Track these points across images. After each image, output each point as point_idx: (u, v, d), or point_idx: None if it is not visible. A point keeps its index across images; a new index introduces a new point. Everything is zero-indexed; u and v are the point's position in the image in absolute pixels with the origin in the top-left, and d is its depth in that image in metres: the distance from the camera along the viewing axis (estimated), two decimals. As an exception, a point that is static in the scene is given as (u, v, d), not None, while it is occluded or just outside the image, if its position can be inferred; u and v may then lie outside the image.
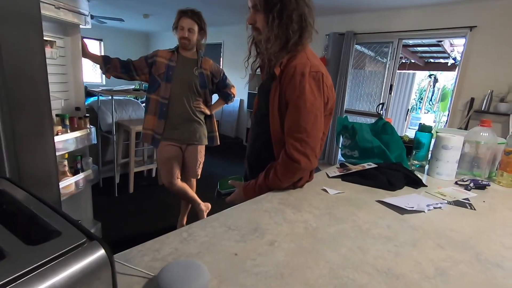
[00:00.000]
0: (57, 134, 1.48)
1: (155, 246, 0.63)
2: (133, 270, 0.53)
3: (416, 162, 1.47)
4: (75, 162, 1.64)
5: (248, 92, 5.35)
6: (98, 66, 1.81)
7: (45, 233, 0.33)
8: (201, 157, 2.14)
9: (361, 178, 1.16)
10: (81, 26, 1.61)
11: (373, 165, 1.21)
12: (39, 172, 0.63)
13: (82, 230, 0.34)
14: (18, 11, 0.60)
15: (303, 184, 1.06)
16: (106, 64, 1.76)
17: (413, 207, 0.92)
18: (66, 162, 1.63)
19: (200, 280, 0.50)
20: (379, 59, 4.61)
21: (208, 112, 2.07)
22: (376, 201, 0.99)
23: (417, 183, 1.16)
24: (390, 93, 4.17)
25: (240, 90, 5.71)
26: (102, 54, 2.20)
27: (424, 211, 0.92)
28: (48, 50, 1.36)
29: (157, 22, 6.25)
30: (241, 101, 5.88)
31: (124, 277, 0.52)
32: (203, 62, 1.95)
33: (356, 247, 0.69)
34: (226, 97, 2.15)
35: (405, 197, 1.03)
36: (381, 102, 4.27)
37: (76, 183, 1.62)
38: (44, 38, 1.35)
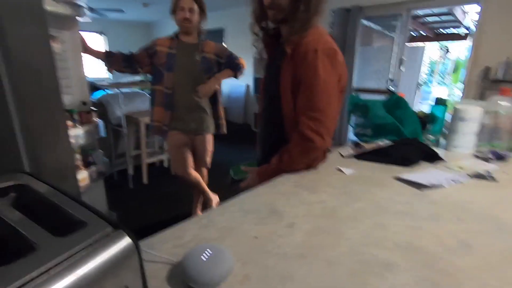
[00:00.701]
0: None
1: (175, 233, 0.64)
2: (156, 257, 0.54)
3: (431, 136, 1.43)
4: (86, 155, 1.67)
5: (254, 77, 5.28)
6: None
7: (70, 224, 0.33)
8: (210, 146, 2.09)
9: (376, 156, 1.14)
10: (79, 19, 1.59)
11: (388, 142, 1.19)
12: (57, 165, 0.64)
13: (107, 220, 0.34)
14: (23, 7, 0.59)
15: (317, 164, 1.04)
16: (108, 59, 1.71)
17: (432, 182, 0.90)
18: (78, 156, 1.66)
19: (226, 263, 0.50)
20: (387, 33, 4.45)
21: (213, 88, 1.86)
22: (393, 178, 0.97)
23: (434, 157, 1.13)
24: (400, 68, 4.04)
25: (246, 75, 5.64)
26: (105, 48, 2.10)
27: (444, 186, 0.90)
28: (53, 45, 1.35)
29: (158, 10, 6.14)
30: (248, 86, 5.82)
31: (148, 264, 0.53)
32: (205, 45, 1.82)
33: (376, 224, 0.68)
34: (234, 67, 1.91)
35: (423, 173, 1.01)
36: (390, 78, 4.15)
37: (89, 176, 1.65)
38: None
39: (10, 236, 0.29)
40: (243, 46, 5.87)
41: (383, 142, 1.20)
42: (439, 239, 0.62)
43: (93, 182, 1.73)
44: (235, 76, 1.94)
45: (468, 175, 1.00)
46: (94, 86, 4.54)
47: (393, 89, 4.06)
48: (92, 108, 1.72)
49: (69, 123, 1.50)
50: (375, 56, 4.49)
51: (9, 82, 0.54)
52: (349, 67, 4.25)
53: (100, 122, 1.74)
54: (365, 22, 4.25)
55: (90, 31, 6.82)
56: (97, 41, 7.20)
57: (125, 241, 0.33)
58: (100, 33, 7.23)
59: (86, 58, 1.70)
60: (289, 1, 0.90)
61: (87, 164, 1.68)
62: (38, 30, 0.63)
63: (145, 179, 3.09)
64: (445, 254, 0.57)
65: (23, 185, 0.38)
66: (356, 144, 1.32)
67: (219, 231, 0.65)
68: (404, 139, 1.24)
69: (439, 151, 1.20)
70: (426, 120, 1.48)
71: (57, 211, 0.35)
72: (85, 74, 1.72)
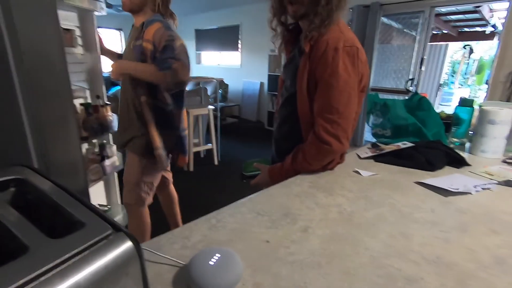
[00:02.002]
0: (82, 123, 1.50)
1: (184, 233, 0.61)
2: (163, 259, 0.51)
3: (455, 139, 1.35)
4: (100, 149, 1.68)
5: (268, 74, 5.23)
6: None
7: (68, 224, 0.31)
8: (130, 168, 1.44)
9: (396, 158, 1.08)
10: (96, 13, 1.59)
11: (409, 144, 1.12)
12: (65, 159, 0.62)
13: (108, 221, 0.31)
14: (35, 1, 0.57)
15: (333, 166, 0.99)
16: None
17: (458, 189, 0.84)
18: (93, 149, 1.67)
19: (235, 269, 0.47)
20: (408, 31, 4.29)
21: (120, 70, 1.30)
22: (414, 182, 0.91)
23: (459, 162, 1.06)
24: (420, 68, 3.89)
25: (261, 73, 5.61)
26: (120, 50, 1.82)
27: (471, 193, 0.84)
28: (67, 39, 1.36)
29: (174, 8, 6.16)
30: (262, 84, 5.77)
31: (154, 266, 0.50)
32: (147, 30, 1.24)
33: (398, 233, 0.63)
34: (160, 64, 1.24)
35: (447, 178, 0.94)
36: (410, 77, 4.01)
37: (103, 169, 1.66)
38: (62, 26, 1.35)
39: (0, 236, 0.27)
40: (258, 42, 5.83)
41: (404, 144, 1.14)
42: (471, 254, 0.57)
43: (107, 175, 1.74)
44: (157, 79, 1.25)
45: (498, 182, 0.93)
46: (111, 82, 4.62)
47: (412, 89, 3.92)
48: (107, 102, 1.72)
49: (84, 116, 1.51)
50: (394, 54, 4.35)
51: (18, 74, 0.52)
52: (366, 66, 4.13)
53: (114, 116, 1.73)
54: (384, 19, 4.12)
55: (108, 27, 6.94)
56: (115, 37, 7.32)
57: (126, 245, 0.30)
58: (118, 29, 7.34)
59: (102, 58, 1.65)
60: None
61: (101, 158, 1.69)
62: (49, 25, 0.61)
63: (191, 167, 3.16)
64: (479, 272, 0.52)
65: (23, 179, 0.35)
66: (373, 145, 1.26)
67: (229, 233, 0.61)
68: (427, 141, 1.17)
69: (464, 156, 1.13)
70: (450, 122, 1.40)
71: (55, 210, 0.32)
72: (102, 68, 1.72)
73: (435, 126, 1.33)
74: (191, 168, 3.27)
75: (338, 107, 0.84)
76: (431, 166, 1.01)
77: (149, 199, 1.50)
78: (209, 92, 4.71)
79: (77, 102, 1.56)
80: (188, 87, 4.42)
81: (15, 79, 0.51)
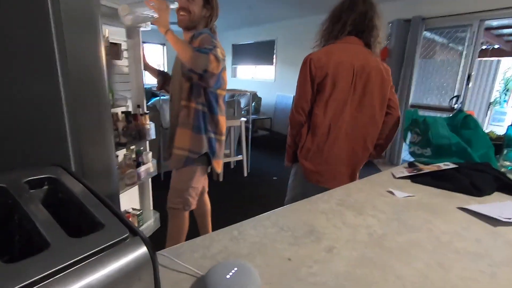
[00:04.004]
0: (123, 129, 1.60)
1: (205, 242, 0.60)
2: (182, 267, 0.51)
3: (507, 163, 1.21)
4: (137, 155, 1.76)
5: (302, 88, 5.20)
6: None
7: (90, 224, 0.32)
8: (183, 177, 1.48)
9: (436, 180, 0.99)
10: (142, 29, 1.71)
11: (452, 165, 1.03)
12: (100, 163, 0.65)
13: (126, 224, 0.32)
14: (80, 17, 0.62)
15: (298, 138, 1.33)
16: (159, 78, 1.65)
17: (510, 218, 0.74)
18: (130, 155, 1.76)
19: (252, 286, 0.45)
20: (453, 46, 4.05)
21: (162, 22, 1.31)
22: (457, 208, 0.83)
23: (510, 189, 0.95)
24: (467, 84, 3.62)
25: (294, 87, 5.60)
26: (160, 68, 1.85)
27: (525, 224, 0.74)
28: (114, 52, 1.47)
29: (219, 21, 6.47)
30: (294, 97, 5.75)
31: (172, 273, 0.50)
32: (195, 41, 1.34)
33: (435, 263, 0.57)
34: (198, 48, 1.27)
35: (497, 205, 0.84)
36: (455, 94, 3.75)
37: (138, 174, 1.74)
38: (110, 41, 1.46)
39: (26, 232, 0.29)
40: (292, 56, 5.87)
41: (445, 165, 1.05)
42: (523, 294, 0.49)
43: (142, 181, 1.81)
44: (189, 56, 1.24)
45: (561, 214, 0.81)
46: (152, 93, 4.92)
47: (457, 106, 3.65)
48: (146, 111, 1.83)
49: (125, 124, 1.60)
50: (438, 70, 4.11)
51: (64, 84, 0.57)
52: (406, 81, 3.95)
53: (152, 124, 1.82)
54: (427, 33, 3.93)
55: (152, 42, 7.45)
56: (158, 52, 7.83)
57: (141, 250, 0.30)
58: (162, 44, 7.86)
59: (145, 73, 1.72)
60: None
61: (137, 164, 1.78)
62: (92, 39, 0.66)
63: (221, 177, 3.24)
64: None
65: (56, 178, 0.38)
66: (410, 165, 1.18)
67: (250, 246, 0.60)
68: (473, 163, 1.07)
69: (519, 181, 1.00)
70: (501, 143, 1.27)
71: (80, 210, 0.33)
72: (143, 80, 1.83)
73: (482, 146, 1.21)
74: (221, 178, 3.31)
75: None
76: (477, 190, 0.92)
77: (194, 204, 1.54)
78: (242, 105, 4.80)
79: (119, 110, 1.68)
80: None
81: (61, 89, 0.56)
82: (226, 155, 3.62)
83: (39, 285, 0.23)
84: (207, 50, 1.26)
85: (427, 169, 1.05)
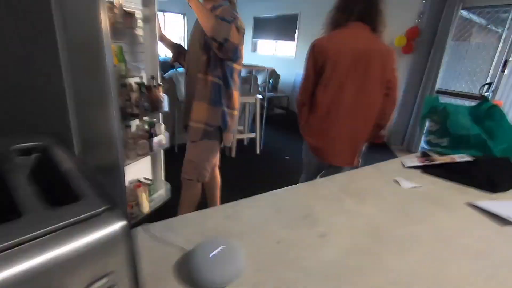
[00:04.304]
0: (136, 100, 1.62)
1: (198, 219, 0.61)
2: (172, 240, 0.52)
3: (532, 159, 1.14)
4: (150, 127, 1.79)
5: (322, 67, 5.02)
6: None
7: (70, 196, 0.32)
8: (199, 151, 1.51)
9: (449, 172, 0.95)
10: (159, -2, 1.67)
11: (467, 158, 0.97)
12: (101, 133, 0.66)
13: (105, 198, 0.32)
14: None
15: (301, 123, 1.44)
16: (174, 51, 1.63)
17: (522, 218, 0.70)
18: (143, 126, 1.79)
19: (235, 265, 0.45)
20: (493, 28, 3.71)
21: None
22: (466, 203, 0.79)
23: (530, 187, 0.89)
24: (503, 71, 3.36)
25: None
26: (176, 42, 1.80)
27: (538, 226, 0.69)
28: (127, 20, 1.45)
29: (235, -6, 6.24)
30: (314, 76, 5.58)
31: (160, 246, 0.51)
32: (214, 11, 1.31)
33: (432, 258, 0.55)
34: (221, 18, 1.26)
35: (509, 203, 0.80)
36: (487, 81, 3.49)
37: (150, 146, 1.78)
38: (124, 8, 1.43)
39: (4, 199, 0.29)
40: (315, 33, 5.60)
41: (461, 157, 0.99)
42: (519, 299, 0.47)
43: (153, 152, 1.86)
44: (211, 24, 1.24)
45: None
46: (170, 65, 4.91)
47: (488, 95, 3.41)
48: (160, 83, 1.82)
49: (137, 95, 1.62)
50: (471, 54, 3.82)
51: (63, 48, 0.56)
52: (434, 65, 3.71)
53: (165, 97, 1.82)
54: (464, 13, 3.62)
55: (172, 12, 7.32)
56: (179, 22, 7.70)
57: (116, 225, 0.30)
58: (182, 14, 7.71)
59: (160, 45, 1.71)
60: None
61: (150, 135, 1.81)
62: (93, 5, 0.64)
63: (233, 153, 3.29)
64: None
65: (44, 148, 0.38)
66: (423, 154, 1.13)
67: (242, 225, 0.60)
68: (491, 156, 1.01)
69: (541, 180, 0.94)
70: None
71: (62, 181, 0.34)
72: (158, 51, 1.82)
73: (505, 140, 1.13)
74: (233, 154, 3.34)
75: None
76: (492, 186, 0.86)
77: (207, 177, 1.59)
78: (259, 81, 4.71)
79: (133, 80, 1.68)
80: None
81: (60, 54, 0.55)
82: (240, 131, 3.62)
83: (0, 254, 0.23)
84: (229, 19, 1.25)
85: (440, 160, 1.00)
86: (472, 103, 3.62)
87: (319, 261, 0.52)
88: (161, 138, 1.87)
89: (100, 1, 0.60)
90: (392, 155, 3.89)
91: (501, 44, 3.39)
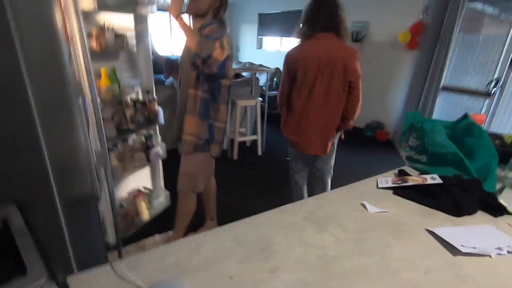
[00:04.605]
0: (131, 116, 1.70)
1: (162, 253, 0.68)
2: (131, 280, 0.59)
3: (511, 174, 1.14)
4: (146, 139, 1.87)
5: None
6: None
7: (16, 268, 0.38)
8: (191, 163, 1.59)
9: (419, 194, 0.97)
10: (149, 15, 1.73)
11: (438, 180, 0.99)
12: (68, 161, 0.72)
13: (49, 269, 0.38)
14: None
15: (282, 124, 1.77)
16: (170, 68, 1.74)
17: (475, 248, 0.73)
18: (140, 139, 1.88)
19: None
20: (505, 17, 3.56)
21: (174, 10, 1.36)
22: (426, 229, 0.82)
23: (497, 210, 0.91)
24: (511, 66, 3.24)
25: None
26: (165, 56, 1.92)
27: (489, 255, 0.72)
28: (119, 42, 1.52)
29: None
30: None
31: (123, 284, 0.58)
32: (203, 30, 1.38)
33: (371, 294, 0.60)
34: (206, 35, 1.35)
35: (470, 229, 0.82)
36: (496, 77, 3.38)
37: (147, 157, 1.86)
38: (117, 32, 1.50)
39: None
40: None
41: (432, 179, 1.01)
42: None
43: (151, 162, 1.94)
44: (195, 42, 1.30)
45: (539, 245, 0.77)
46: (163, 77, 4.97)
47: (495, 91, 3.30)
48: (155, 97, 1.90)
49: (132, 111, 1.69)
50: (481, 46, 3.68)
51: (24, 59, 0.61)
52: (439, 59, 3.61)
53: (161, 110, 1.90)
54: (474, 4, 3.49)
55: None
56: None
57: (53, 296, 0.36)
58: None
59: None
60: None
61: (146, 147, 1.89)
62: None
63: (235, 156, 3.37)
64: None
65: (4, 217, 0.45)
66: (400, 173, 1.15)
67: (200, 260, 0.66)
68: (462, 179, 1.02)
69: None
70: (512, 151, 1.18)
71: (14, 253, 0.40)
72: (152, 67, 1.88)
73: (486, 156, 1.13)
74: (235, 157, 3.41)
75: None
76: (457, 210, 0.89)
77: (202, 188, 1.69)
78: (262, 82, 4.72)
79: (128, 97, 1.76)
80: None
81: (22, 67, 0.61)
82: (242, 134, 3.68)
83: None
84: (213, 37, 1.34)
85: (412, 181, 1.03)
86: (480, 99, 3.51)
87: (264, 298, 0.57)
88: (158, 149, 1.95)
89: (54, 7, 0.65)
90: (396, 153, 3.85)
91: (510, 35, 3.27)
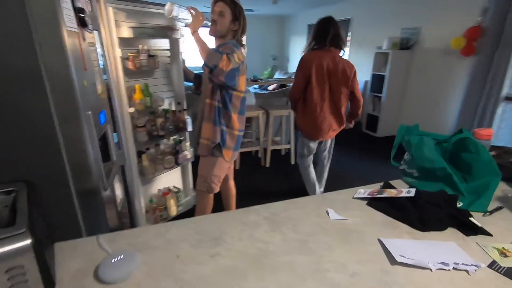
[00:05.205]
0: (161, 124, 1.99)
1: (137, 233, 0.86)
2: (106, 248, 0.78)
3: (515, 196, 1.05)
4: (175, 144, 2.15)
5: (372, 74, 4.80)
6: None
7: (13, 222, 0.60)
8: (206, 165, 1.80)
9: (390, 206, 0.98)
10: (180, 39, 2.01)
11: (412, 194, 0.99)
12: (76, 159, 0.95)
13: (29, 225, 0.59)
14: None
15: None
16: (198, 82, 1.98)
17: (412, 259, 0.74)
18: (170, 144, 2.16)
19: (125, 270, 0.68)
20: None
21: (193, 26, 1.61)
22: (378, 239, 0.84)
23: (472, 229, 0.87)
24: None
25: (365, 71, 5.21)
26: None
27: (429, 268, 0.72)
28: (152, 62, 1.82)
29: (288, 5, 6.43)
30: (366, 82, 5.35)
31: (97, 251, 0.77)
32: (220, 49, 1.59)
33: (287, 285, 0.68)
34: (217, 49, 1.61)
35: (425, 244, 0.82)
36: None
37: (176, 160, 2.13)
38: (150, 54, 1.80)
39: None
40: (367, 38, 5.37)
41: (408, 192, 1.01)
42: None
43: (179, 165, 2.21)
44: (206, 54, 1.53)
45: (499, 267, 0.74)
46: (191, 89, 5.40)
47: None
48: (185, 108, 2.17)
49: (162, 120, 1.98)
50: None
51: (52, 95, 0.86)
52: (500, 68, 3.22)
53: (189, 119, 2.16)
54: (542, 4, 3.04)
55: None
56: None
57: (23, 241, 0.56)
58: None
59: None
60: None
61: (175, 151, 2.17)
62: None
63: (267, 163, 3.56)
64: None
65: (16, 191, 0.68)
66: (385, 185, 1.15)
67: (162, 242, 0.82)
68: (440, 194, 0.99)
69: None
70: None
71: (5, 213, 0.62)
72: (183, 81, 2.17)
73: (485, 174, 1.07)
74: (267, 164, 3.54)
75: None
76: (422, 225, 0.88)
77: (216, 189, 1.86)
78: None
79: (160, 108, 2.06)
80: (271, 87, 4.64)
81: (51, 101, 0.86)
82: (276, 143, 3.80)
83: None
84: (222, 52, 1.53)
85: (388, 193, 1.03)
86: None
87: (196, 275, 0.70)
88: (186, 153, 2.21)
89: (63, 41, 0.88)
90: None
91: None
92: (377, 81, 4.67)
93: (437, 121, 4.10)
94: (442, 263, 0.74)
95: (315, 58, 2.06)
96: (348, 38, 5.81)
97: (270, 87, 5.30)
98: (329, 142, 2.49)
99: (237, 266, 0.74)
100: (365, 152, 4.24)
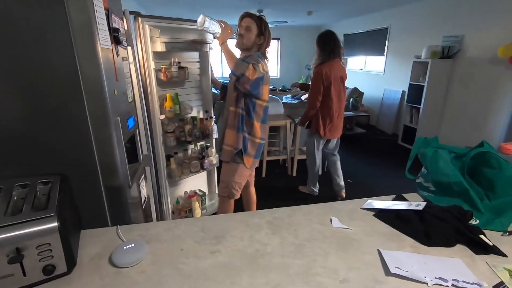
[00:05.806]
0: (189, 131, 2.13)
1: (148, 227, 0.95)
2: (122, 237, 0.88)
3: (543, 217, 0.96)
4: (202, 150, 2.27)
5: (410, 84, 4.58)
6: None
7: (46, 207, 0.72)
8: (223, 175, 1.91)
9: (396, 218, 0.97)
10: (209, 51, 2.15)
11: (421, 207, 0.96)
12: (108, 162, 1.08)
13: (58, 211, 0.70)
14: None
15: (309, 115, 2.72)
16: (224, 92, 2.09)
17: (407, 271, 0.73)
18: (196, 150, 2.29)
19: (134, 257, 0.77)
20: None
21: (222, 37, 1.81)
22: (378, 249, 0.84)
23: (483, 248, 0.83)
24: None
25: (402, 81, 4.99)
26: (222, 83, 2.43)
27: (426, 283, 0.71)
28: (182, 73, 1.97)
29: (322, 16, 6.44)
30: (403, 92, 5.12)
31: (114, 238, 0.88)
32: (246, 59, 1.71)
33: (276, 284, 0.71)
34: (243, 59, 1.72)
35: (427, 258, 0.79)
36: None
37: (202, 165, 2.25)
38: (181, 65, 1.95)
39: None
40: (405, 46, 5.17)
41: (417, 206, 0.98)
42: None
43: (204, 170, 2.33)
44: (233, 63, 1.72)
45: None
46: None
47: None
48: (212, 116, 2.30)
49: (190, 126, 2.12)
50: None
51: (88, 102, 1.01)
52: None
53: (215, 126, 2.28)
54: None
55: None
56: (273, 46, 8.42)
57: (50, 224, 0.67)
58: (276, 39, 8.40)
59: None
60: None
61: (201, 157, 2.29)
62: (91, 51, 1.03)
63: (263, 174, 3.60)
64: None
65: (52, 181, 0.81)
66: (397, 197, 1.13)
67: (170, 236, 0.90)
68: (455, 209, 0.95)
69: None
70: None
71: (43, 199, 0.74)
72: (211, 91, 2.30)
73: (509, 191, 1.00)
74: (294, 173, 3.54)
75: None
76: (427, 239, 0.86)
77: (237, 195, 1.95)
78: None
79: (188, 115, 2.21)
80: (304, 97, 4.64)
81: (86, 107, 1.00)
82: (303, 152, 3.79)
83: None
84: (248, 62, 1.65)
85: (396, 206, 1.02)
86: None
87: (196, 268, 0.77)
88: (211, 159, 2.32)
89: (97, 49, 1.02)
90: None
91: None
92: (415, 92, 4.45)
93: (482, 136, 3.78)
94: (441, 278, 0.72)
95: (331, 69, 2.47)
96: (385, 47, 5.64)
97: (303, 97, 5.32)
98: (335, 140, 2.85)
99: (233, 263, 0.79)
100: (400, 165, 4.04)
